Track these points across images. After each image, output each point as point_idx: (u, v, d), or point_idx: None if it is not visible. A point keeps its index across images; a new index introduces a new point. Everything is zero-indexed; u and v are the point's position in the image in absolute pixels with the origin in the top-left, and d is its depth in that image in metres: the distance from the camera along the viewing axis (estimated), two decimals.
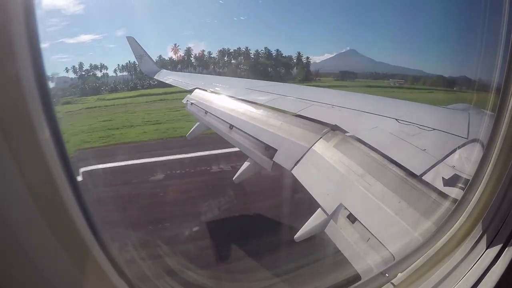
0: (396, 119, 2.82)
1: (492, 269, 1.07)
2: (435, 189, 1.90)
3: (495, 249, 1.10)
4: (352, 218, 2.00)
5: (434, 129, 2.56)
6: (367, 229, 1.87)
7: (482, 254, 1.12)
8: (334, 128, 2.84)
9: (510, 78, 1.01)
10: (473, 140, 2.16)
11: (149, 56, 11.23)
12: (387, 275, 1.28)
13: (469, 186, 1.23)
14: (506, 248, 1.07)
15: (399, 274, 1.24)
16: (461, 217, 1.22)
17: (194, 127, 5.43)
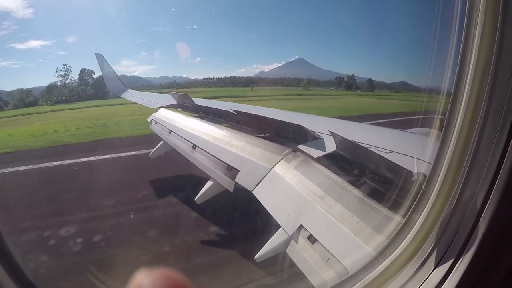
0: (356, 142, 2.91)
1: None
2: (392, 208, 1.93)
3: (444, 267, 1.03)
4: (312, 239, 2.00)
5: (393, 151, 2.66)
6: (326, 249, 1.87)
7: (430, 274, 1.07)
8: (295, 149, 2.85)
9: (454, 107, 0.98)
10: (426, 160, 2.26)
11: (116, 74, 10.95)
12: None
13: (417, 203, 1.18)
14: (455, 266, 1.00)
15: None
16: (408, 236, 1.17)
17: (157, 146, 5.25)
